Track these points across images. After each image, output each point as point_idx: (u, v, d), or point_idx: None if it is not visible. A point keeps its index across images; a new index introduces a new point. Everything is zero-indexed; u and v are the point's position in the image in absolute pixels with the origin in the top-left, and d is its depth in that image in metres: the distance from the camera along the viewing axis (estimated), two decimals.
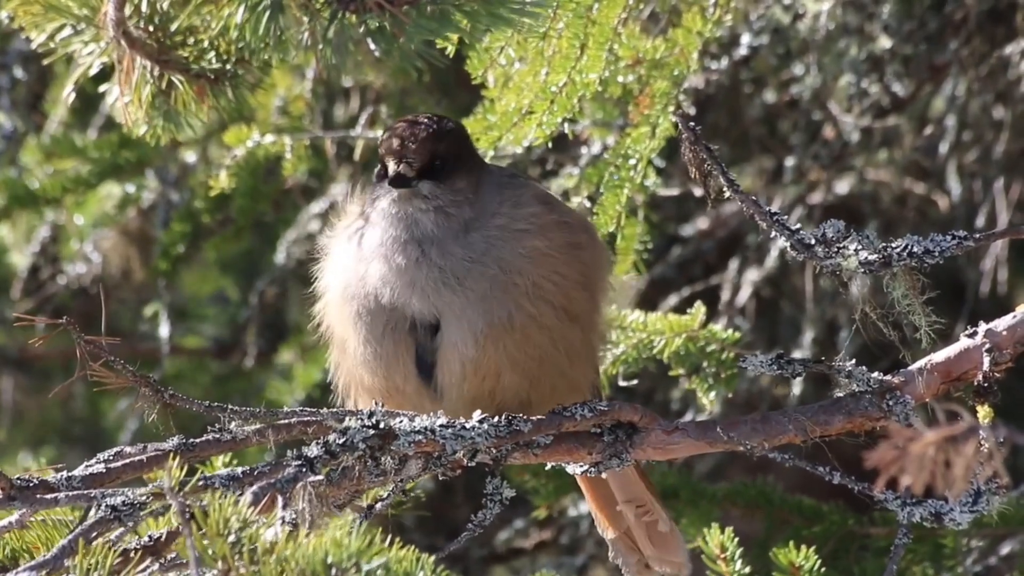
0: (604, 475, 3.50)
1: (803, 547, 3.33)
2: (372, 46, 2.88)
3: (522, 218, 3.48)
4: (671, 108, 3.98)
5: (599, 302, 3.56)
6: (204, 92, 3.12)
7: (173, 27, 3.05)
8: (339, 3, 2.84)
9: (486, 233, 3.46)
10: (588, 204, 4.15)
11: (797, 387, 4.90)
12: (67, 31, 3.14)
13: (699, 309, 4.05)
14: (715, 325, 4.06)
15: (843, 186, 5.07)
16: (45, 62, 3.17)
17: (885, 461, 2.63)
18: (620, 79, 4.03)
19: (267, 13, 2.84)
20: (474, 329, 3.42)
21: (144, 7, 3.04)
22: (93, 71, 3.20)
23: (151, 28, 3.08)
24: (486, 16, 2.87)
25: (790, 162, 4.99)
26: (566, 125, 3.99)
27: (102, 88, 3.28)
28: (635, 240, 4.06)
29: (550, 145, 4.02)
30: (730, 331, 4.04)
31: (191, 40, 3.09)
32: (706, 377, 4.02)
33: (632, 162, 4.00)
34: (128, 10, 3.01)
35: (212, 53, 3.12)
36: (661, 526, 3.62)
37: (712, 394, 4.03)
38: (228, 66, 3.10)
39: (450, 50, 3.65)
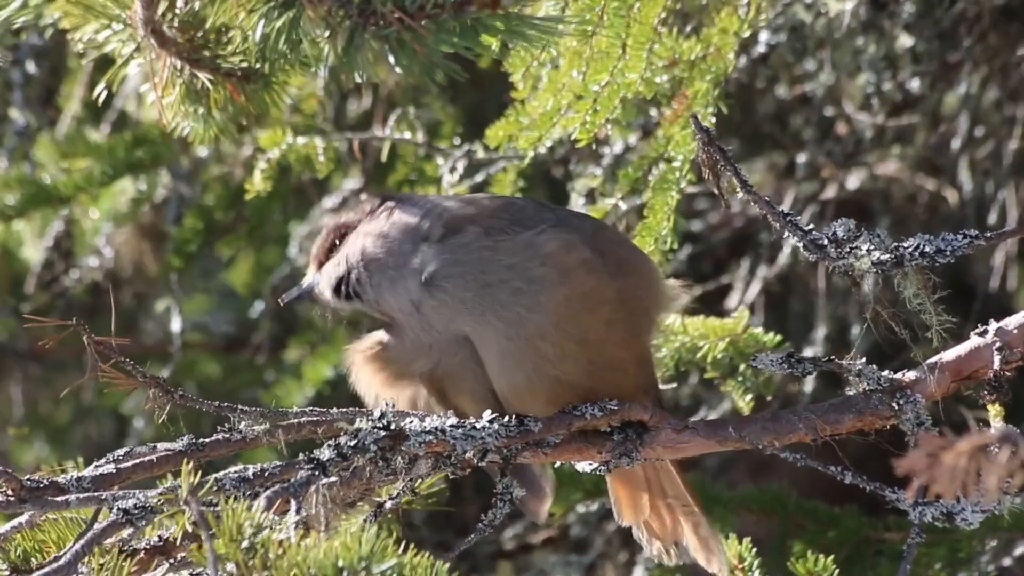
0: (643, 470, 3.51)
1: (820, 556, 3.32)
2: (392, 59, 2.86)
3: (538, 280, 3.32)
4: (711, 109, 3.95)
5: (643, 341, 3.43)
6: (237, 90, 3.11)
7: (207, 25, 3.04)
8: (359, 17, 2.82)
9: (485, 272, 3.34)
10: (623, 207, 4.12)
11: (809, 385, 4.89)
12: (106, 32, 3.12)
13: (743, 313, 4.02)
14: (756, 328, 4.03)
15: (854, 182, 5.06)
16: (84, 62, 3.17)
17: (917, 469, 2.60)
18: (657, 79, 4.00)
19: (286, 27, 2.83)
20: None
21: (179, 4, 3.03)
22: (130, 71, 3.19)
23: (182, 27, 3.07)
24: (506, 32, 2.85)
25: (802, 158, 4.98)
26: (609, 126, 3.97)
27: (141, 89, 3.27)
28: (661, 240, 4.03)
29: (590, 146, 4.00)
30: (771, 334, 4.01)
31: (222, 38, 3.08)
32: (744, 380, 4.00)
33: (676, 164, 3.97)
34: (162, 8, 3.00)
35: (241, 52, 3.10)
36: (703, 530, 3.59)
37: (748, 397, 4.01)
38: (256, 64, 3.09)
39: (495, 46, 3.55)
